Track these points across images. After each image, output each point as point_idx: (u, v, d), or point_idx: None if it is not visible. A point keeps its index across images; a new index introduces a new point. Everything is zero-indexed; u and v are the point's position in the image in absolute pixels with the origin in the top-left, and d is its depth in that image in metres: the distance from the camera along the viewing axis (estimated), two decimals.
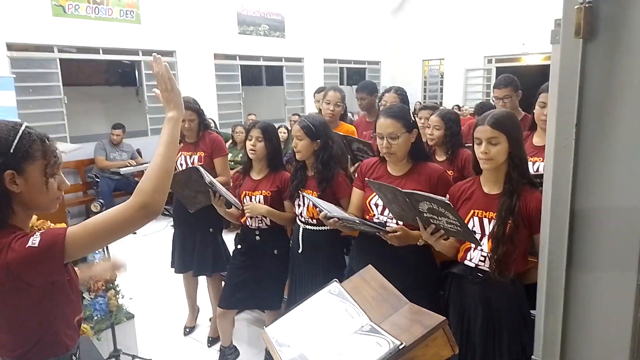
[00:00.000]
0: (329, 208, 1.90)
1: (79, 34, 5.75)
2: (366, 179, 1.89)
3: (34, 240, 1.04)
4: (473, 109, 5.95)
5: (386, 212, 1.94)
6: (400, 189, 1.57)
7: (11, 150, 1.07)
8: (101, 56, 6.24)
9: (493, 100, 3.19)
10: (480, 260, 1.71)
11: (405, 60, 10.63)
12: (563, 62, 1.07)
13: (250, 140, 2.41)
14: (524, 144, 1.72)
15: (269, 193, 2.40)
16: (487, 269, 1.68)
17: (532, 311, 1.60)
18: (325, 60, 9.23)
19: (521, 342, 1.65)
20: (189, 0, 6.74)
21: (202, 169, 2.37)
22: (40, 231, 1.07)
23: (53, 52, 5.68)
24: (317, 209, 1.99)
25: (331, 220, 1.86)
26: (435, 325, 1.11)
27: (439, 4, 9.96)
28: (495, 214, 1.67)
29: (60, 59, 5.74)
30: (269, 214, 2.38)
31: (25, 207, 1.14)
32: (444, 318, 1.14)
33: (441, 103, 9.73)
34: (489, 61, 9.85)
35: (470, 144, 1.81)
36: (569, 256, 1.12)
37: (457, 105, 8.79)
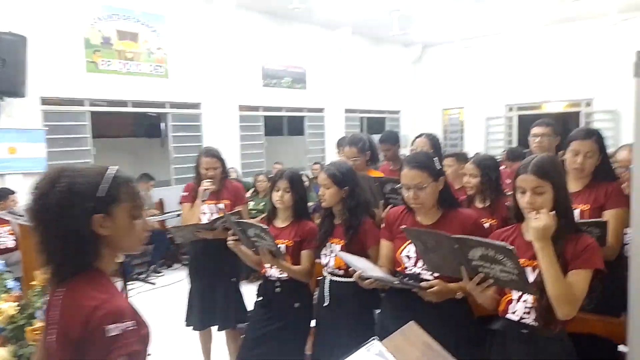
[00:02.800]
0: (362, 266, 1.82)
1: (110, 88, 5.98)
2: (402, 227, 1.79)
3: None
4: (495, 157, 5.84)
5: (419, 263, 1.84)
6: (449, 235, 1.49)
7: (100, 194, 1.09)
8: (130, 109, 6.45)
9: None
10: (524, 313, 1.59)
11: (425, 109, 10.72)
12: None
13: (277, 190, 2.37)
14: (568, 190, 1.64)
15: (291, 242, 2.33)
16: (533, 322, 1.55)
17: None
18: (346, 110, 9.38)
19: None
20: (215, 54, 7.00)
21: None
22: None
23: (84, 105, 5.89)
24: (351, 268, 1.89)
25: (367, 281, 1.77)
26: None
27: (458, 54, 10.14)
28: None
29: (91, 112, 5.94)
30: (278, 266, 2.27)
31: (112, 250, 1.15)
32: None
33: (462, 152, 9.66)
34: (510, 109, 9.85)
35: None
36: None
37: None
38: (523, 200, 1.58)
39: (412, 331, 1.33)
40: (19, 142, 5.18)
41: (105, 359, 1.00)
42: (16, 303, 2.46)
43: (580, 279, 1.51)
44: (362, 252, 2.10)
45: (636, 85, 1.05)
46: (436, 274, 1.79)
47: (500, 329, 1.65)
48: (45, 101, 5.52)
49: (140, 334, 1.09)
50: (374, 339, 1.35)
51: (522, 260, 1.58)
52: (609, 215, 2.07)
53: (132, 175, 1.19)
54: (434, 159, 1.92)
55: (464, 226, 1.83)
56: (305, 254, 2.32)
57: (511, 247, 1.38)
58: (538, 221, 1.49)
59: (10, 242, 4.45)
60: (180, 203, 3.07)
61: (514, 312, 1.62)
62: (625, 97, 7.58)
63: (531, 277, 1.56)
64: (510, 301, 1.63)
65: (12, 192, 4.51)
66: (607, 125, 8.17)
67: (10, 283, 3.81)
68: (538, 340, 1.56)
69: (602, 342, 1.92)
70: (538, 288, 1.51)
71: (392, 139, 3.37)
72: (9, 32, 4.71)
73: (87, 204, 1.07)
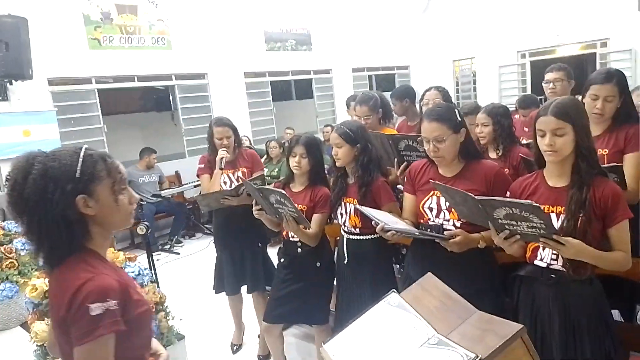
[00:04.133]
0: (384, 219, 1.82)
1: (115, 64, 5.94)
2: (431, 181, 1.78)
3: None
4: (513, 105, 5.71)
5: (442, 215, 1.85)
6: (472, 195, 1.47)
7: (77, 175, 1.07)
8: (136, 84, 6.42)
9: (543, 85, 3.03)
10: (552, 259, 1.58)
11: (435, 62, 10.44)
12: None
13: (294, 156, 2.37)
14: (590, 132, 1.59)
15: (305, 207, 2.34)
16: (561, 268, 1.55)
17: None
18: (354, 69, 9.20)
19: (605, 347, 1.51)
20: (216, 23, 6.87)
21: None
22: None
23: (91, 83, 5.89)
24: (371, 220, 1.88)
25: (389, 233, 1.78)
26: (513, 334, 1.01)
27: (467, 1, 9.77)
28: (563, 208, 1.54)
29: (98, 90, 5.94)
30: (295, 230, 2.26)
31: (102, 228, 1.14)
32: (522, 326, 1.03)
33: (476, 102, 9.47)
34: (522, 56, 9.53)
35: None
36: None
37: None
38: (543, 142, 1.55)
39: (430, 282, 1.36)
40: (32, 125, 5.24)
41: (84, 339, 0.99)
42: (47, 279, 2.57)
43: (622, 232, 1.52)
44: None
45: None
46: (458, 225, 1.80)
47: (527, 275, 1.65)
48: (52, 82, 5.52)
49: (135, 313, 1.09)
50: (392, 292, 1.38)
51: (545, 207, 1.57)
52: (629, 159, 2.02)
53: (105, 151, 1.18)
54: (455, 110, 1.88)
55: (487, 177, 1.81)
56: (315, 217, 2.34)
57: (537, 205, 1.36)
58: (567, 250, 1.44)
59: None
60: (198, 175, 3.10)
61: (541, 259, 1.61)
62: None
63: (556, 223, 1.55)
64: (536, 247, 1.62)
65: None
66: (624, 65, 7.87)
67: (41, 260, 3.98)
68: (567, 285, 1.56)
69: (627, 283, 1.92)
70: (565, 234, 1.49)
71: (403, 94, 3.30)
72: (8, 15, 4.66)
73: (67, 187, 1.05)
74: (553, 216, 1.57)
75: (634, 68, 7.90)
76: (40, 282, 2.46)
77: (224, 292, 3.12)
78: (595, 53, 8.65)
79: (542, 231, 1.41)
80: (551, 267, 1.59)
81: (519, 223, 1.43)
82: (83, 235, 1.10)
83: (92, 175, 1.09)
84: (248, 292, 3.09)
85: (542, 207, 1.56)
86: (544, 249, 1.60)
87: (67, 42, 5.51)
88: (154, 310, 2.62)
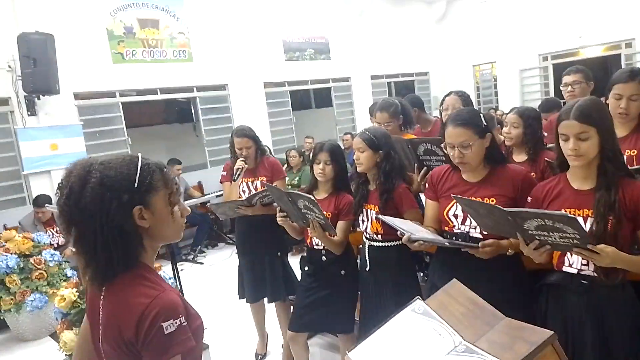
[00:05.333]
0: (408, 228, 1.79)
1: (138, 78, 6.08)
2: (452, 195, 1.74)
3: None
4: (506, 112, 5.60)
5: (467, 221, 1.81)
6: (500, 207, 1.44)
7: (135, 185, 1.03)
8: (159, 96, 6.55)
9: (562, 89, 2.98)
10: (583, 264, 1.53)
11: (455, 67, 10.35)
12: None
13: (318, 163, 2.37)
14: (615, 133, 1.54)
15: (329, 214, 2.33)
16: (592, 274, 1.50)
17: None
18: (372, 77, 9.20)
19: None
20: (236, 34, 6.97)
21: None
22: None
23: (115, 97, 6.04)
24: (396, 230, 1.85)
25: (416, 243, 1.74)
26: (544, 340, 0.98)
27: (485, 6, 9.68)
28: (590, 211, 1.50)
29: (122, 103, 6.08)
30: (321, 237, 2.26)
31: (153, 241, 1.10)
32: (552, 332, 1.00)
33: (497, 107, 9.34)
34: (544, 59, 9.37)
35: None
36: None
37: (493, 108, 8.37)
38: (566, 147, 1.51)
39: (455, 288, 1.33)
40: (59, 139, 5.39)
41: (161, 358, 0.96)
42: (75, 289, 2.62)
43: None
44: (396, 217, 2.09)
45: None
46: (485, 232, 1.75)
47: (556, 282, 1.60)
48: (77, 96, 5.68)
49: (193, 327, 1.05)
50: (417, 298, 1.36)
51: (572, 211, 1.54)
52: None
53: (161, 162, 1.13)
54: (480, 115, 1.85)
55: (514, 182, 1.78)
56: (340, 225, 2.33)
57: (572, 216, 1.32)
58: (602, 259, 1.39)
59: (61, 240, 4.72)
60: (221, 182, 3.15)
61: (570, 265, 1.57)
62: None
63: (584, 226, 1.48)
64: (563, 254, 1.57)
65: (49, 201, 4.67)
66: None
67: (69, 272, 4.07)
68: (599, 291, 1.51)
69: None
70: (595, 237, 1.44)
71: (410, 104, 3.26)
72: (36, 32, 4.83)
73: (124, 197, 1.01)
74: (580, 220, 1.51)
75: None
76: (68, 292, 2.51)
77: (245, 300, 3.14)
78: (620, 54, 8.44)
79: (575, 241, 1.36)
80: (582, 273, 1.54)
81: (551, 233, 1.38)
82: (139, 248, 1.05)
83: (149, 185, 1.04)
84: (269, 302, 3.09)
85: (568, 211, 1.53)
86: (572, 255, 1.55)
87: (92, 57, 5.67)
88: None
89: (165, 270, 2.90)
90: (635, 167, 1.90)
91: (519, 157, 2.44)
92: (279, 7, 7.60)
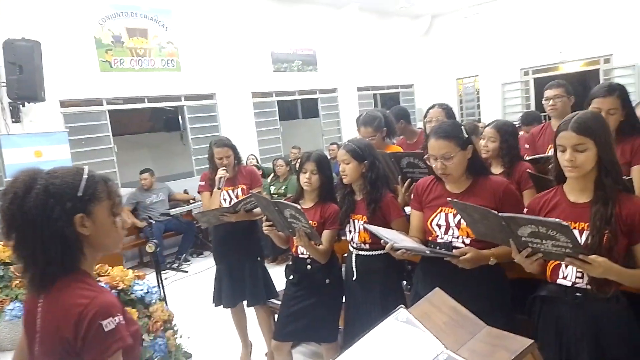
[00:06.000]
0: (392, 237, 1.82)
1: (125, 86, 6.07)
2: (448, 199, 1.76)
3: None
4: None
5: (450, 231, 1.85)
6: (496, 212, 1.45)
7: (79, 194, 1.07)
8: (146, 105, 6.54)
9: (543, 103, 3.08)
10: (577, 277, 1.54)
11: (439, 80, 10.55)
12: None
13: (304, 173, 2.39)
14: (614, 147, 1.55)
15: (315, 223, 2.35)
16: (586, 286, 1.51)
17: None
18: (359, 89, 9.31)
19: None
20: (224, 45, 7.02)
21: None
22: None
23: (102, 105, 6.01)
24: (380, 239, 1.89)
25: (399, 251, 1.78)
26: (524, 349, 1.02)
27: (468, 22, 9.91)
28: (586, 224, 1.50)
29: (109, 111, 6.06)
30: (307, 246, 2.28)
31: (93, 250, 1.14)
32: (532, 341, 1.04)
33: (479, 120, 9.53)
34: (526, 73, 9.62)
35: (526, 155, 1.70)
36: None
37: (476, 121, 8.52)
38: (563, 158, 1.51)
39: (438, 297, 1.37)
40: (43, 146, 5.33)
41: (103, 355, 0.99)
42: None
43: None
44: (384, 226, 2.12)
45: None
46: (467, 242, 1.79)
47: (549, 294, 1.60)
48: (63, 103, 5.64)
49: (131, 331, 1.09)
50: (400, 307, 1.39)
51: (568, 223, 1.51)
52: (637, 170, 2.04)
53: (105, 174, 1.17)
54: (461, 127, 1.89)
55: (495, 193, 1.81)
56: (325, 234, 2.35)
57: (566, 224, 1.32)
58: (594, 270, 1.39)
59: None
60: (199, 192, 3.21)
61: (564, 277, 1.57)
62: None
63: (579, 240, 1.49)
64: (557, 265, 1.57)
65: None
66: (628, 81, 7.92)
67: (28, 280, 4.00)
68: (593, 304, 1.51)
69: None
70: (590, 251, 1.44)
71: (397, 116, 3.33)
72: (22, 39, 4.81)
73: (67, 205, 1.05)
74: (576, 232, 1.51)
75: (637, 83, 7.95)
76: None
77: (222, 305, 3.16)
78: (598, 69, 8.71)
79: (568, 250, 1.38)
80: (576, 285, 1.55)
81: (544, 241, 1.39)
82: (78, 254, 1.09)
83: (92, 195, 1.09)
84: (248, 305, 3.12)
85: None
86: (566, 267, 1.56)
87: (79, 64, 5.65)
88: (162, 328, 2.64)
89: (150, 278, 2.89)
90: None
91: (495, 169, 2.49)
92: (268, 19, 7.68)
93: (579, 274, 1.53)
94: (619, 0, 7.96)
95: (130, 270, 2.76)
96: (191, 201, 6.38)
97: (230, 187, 3.07)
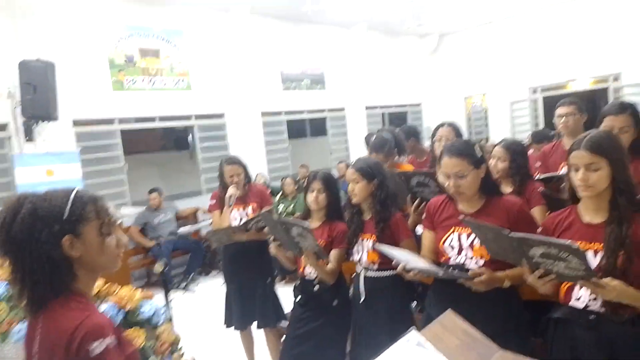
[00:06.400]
0: (404, 258, 1.81)
1: (137, 105, 6.17)
2: (460, 217, 1.76)
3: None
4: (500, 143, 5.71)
5: (463, 252, 1.83)
6: (508, 232, 1.43)
7: (65, 216, 1.07)
8: (157, 124, 6.62)
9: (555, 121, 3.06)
10: (591, 299, 1.51)
11: (447, 99, 10.58)
12: None
13: (312, 192, 2.39)
14: (629, 167, 1.54)
15: (322, 242, 2.34)
16: (600, 309, 1.49)
17: None
18: (367, 107, 9.36)
19: None
20: (235, 64, 7.11)
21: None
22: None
23: (114, 124, 6.10)
24: (391, 259, 1.88)
25: (411, 272, 1.76)
26: None
27: (476, 40, 9.97)
28: (601, 245, 1.48)
29: (121, 130, 6.14)
30: (314, 266, 2.26)
31: (88, 270, 1.13)
32: None
33: (487, 138, 9.50)
34: (534, 91, 9.61)
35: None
36: None
37: (484, 139, 8.53)
38: (576, 177, 1.50)
39: (450, 319, 1.34)
40: (55, 165, 5.39)
41: None
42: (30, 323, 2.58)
43: None
44: (393, 246, 2.11)
45: None
46: (481, 263, 1.77)
47: (563, 316, 1.58)
48: (76, 123, 5.73)
49: (127, 353, 1.08)
50: (412, 329, 1.37)
51: (582, 243, 1.51)
52: None
53: (97, 194, 1.17)
54: (475, 146, 1.89)
55: (509, 213, 1.79)
56: (333, 253, 2.33)
57: (577, 247, 1.31)
58: (608, 293, 1.38)
59: None
60: (209, 211, 3.19)
61: (578, 299, 1.55)
62: None
63: (593, 261, 1.48)
64: (571, 287, 1.56)
65: None
66: (637, 99, 7.86)
67: (24, 303, 3.99)
68: (607, 326, 1.49)
69: None
70: (604, 273, 1.42)
71: (407, 134, 3.34)
72: (37, 60, 4.92)
73: (54, 227, 1.05)
74: (590, 253, 1.50)
75: None
76: None
77: (234, 327, 3.12)
78: (607, 88, 8.68)
79: (580, 272, 1.36)
80: (589, 308, 1.52)
81: (556, 263, 1.38)
82: (68, 276, 1.08)
83: (80, 216, 1.09)
84: (258, 327, 3.08)
85: (579, 244, 1.46)
86: (580, 288, 1.54)
87: (92, 84, 5.76)
88: (169, 350, 2.61)
89: (157, 299, 2.88)
90: None
91: (506, 189, 2.48)
92: (277, 39, 7.79)
93: (593, 296, 1.51)
94: (628, 19, 7.97)
95: (138, 290, 2.75)
96: (199, 216, 6.37)
97: (240, 206, 3.06)
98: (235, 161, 3.09)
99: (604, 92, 8.79)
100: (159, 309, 2.75)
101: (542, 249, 1.38)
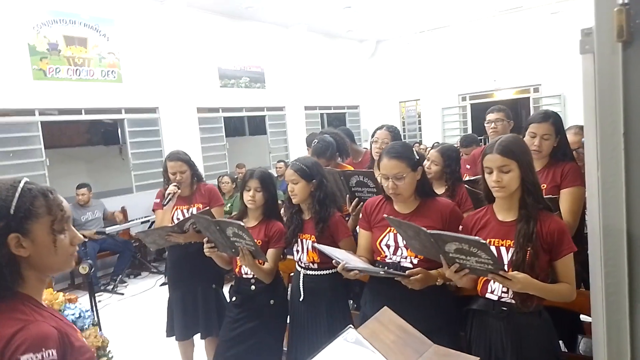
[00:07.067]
0: (343, 257, 1.83)
1: (61, 96, 5.75)
2: (385, 215, 1.81)
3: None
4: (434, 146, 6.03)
5: (398, 252, 1.89)
6: (425, 229, 1.52)
7: (11, 212, 0.96)
8: (83, 116, 6.22)
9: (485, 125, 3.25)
10: (503, 292, 1.65)
11: (383, 102, 10.92)
12: (601, 69, 0.99)
13: (248, 190, 2.35)
14: (534, 169, 1.68)
15: (259, 242, 2.30)
16: (511, 301, 1.62)
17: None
18: (306, 108, 9.40)
19: None
20: (169, 57, 6.85)
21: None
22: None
23: (34, 115, 5.65)
24: (330, 258, 1.90)
25: (352, 272, 1.79)
26: None
27: (411, 48, 10.38)
28: (512, 241, 1.61)
29: (41, 122, 5.70)
30: (251, 266, 2.22)
31: (37, 271, 1.02)
32: (477, 358, 1.07)
33: (421, 141, 9.92)
34: (463, 99, 10.19)
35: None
36: (630, 284, 1.01)
37: (417, 143, 8.95)
38: (490, 179, 1.62)
39: (386, 316, 1.38)
40: None
41: None
42: None
43: (567, 265, 1.60)
44: (332, 246, 2.12)
45: (583, 62, 1.07)
46: (415, 262, 1.84)
47: (479, 308, 1.70)
48: None
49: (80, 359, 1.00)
50: (349, 327, 1.39)
51: (495, 241, 1.65)
52: (565, 193, 2.17)
53: (48, 187, 1.06)
54: (413, 149, 1.95)
55: (442, 214, 1.87)
56: (270, 252, 2.31)
57: (484, 241, 1.42)
58: (514, 285, 1.50)
59: None
60: (153, 210, 2.98)
61: (492, 292, 1.67)
62: (569, 81, 7.99)
63: (506, 257, 1.62)
64: (487, 280, 1.67)
65: None
66: (555, 109, 8.54)
67: None
68: (517, 317, 1.61)
69: (568, 315, 2.04)
70: (514, 267, 1.55)
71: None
72: None
73: None
74: (503, 249, 1.63)
75: (563, 112, 8.62)
76: None
77: (175, 338, 2.97)
78: (529, 97, 9.41)
79: (489, 266, 1.47)
80: (502, 299, 1.65)
81: (469, 258, 1.48)
82: (14, 279, 0.98)
83: (28, 212, 0.98)
84: (201, 337, 2.95)
85: (491, 240, 1.65)
86: (494, 282, 1.65)
87: (9, 72, 5.29)
88: (95, 355, 2.46)
89: (82, 301, 2.71)
90: (547, 196, 2.10)
91: (438, 190, 2.60)
92: (215, 33, 7.62)
93: (505, 289, 1.63)
94: (548, 34, 8.66)
95: (61, 293, 2.57)
96: (128, 214, 6.07)
97: (185, 206, 2.88)
98: (178, 157, 2.85)
99: (526, 101, 9.51)
100: (84, 312, 2.59)
101: (455, 245, 1.48)
